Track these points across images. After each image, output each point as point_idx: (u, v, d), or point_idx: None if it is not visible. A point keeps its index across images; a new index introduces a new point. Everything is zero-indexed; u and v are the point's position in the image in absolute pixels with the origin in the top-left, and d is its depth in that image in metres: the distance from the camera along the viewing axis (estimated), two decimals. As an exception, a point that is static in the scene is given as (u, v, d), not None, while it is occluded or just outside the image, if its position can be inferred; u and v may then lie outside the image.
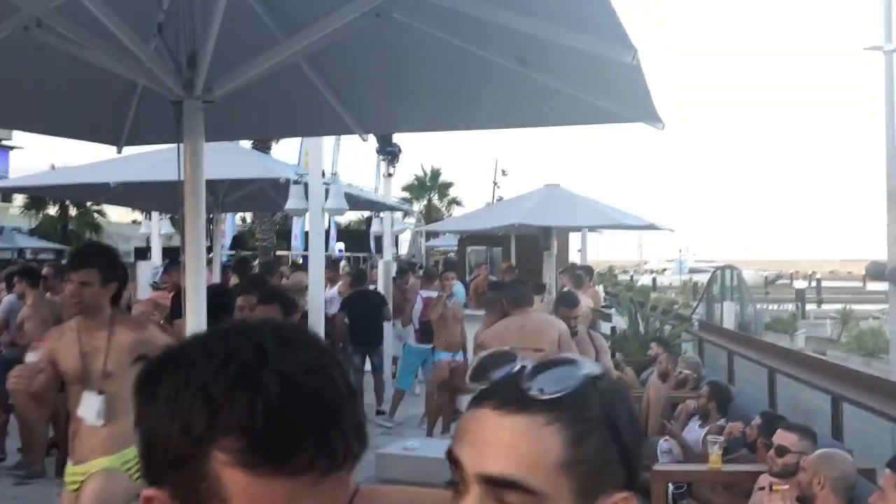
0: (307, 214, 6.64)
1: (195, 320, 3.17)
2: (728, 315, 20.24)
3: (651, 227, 13.93)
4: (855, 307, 30.61)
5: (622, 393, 0.85)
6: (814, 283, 51.55)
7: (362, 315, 9.19)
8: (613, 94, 3.56)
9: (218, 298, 4.55)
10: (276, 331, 0.79)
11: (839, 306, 32.21)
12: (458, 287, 9.98)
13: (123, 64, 3.12)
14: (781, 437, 3.90)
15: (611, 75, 3.26)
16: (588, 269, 10.68)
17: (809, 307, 39.39)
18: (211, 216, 8.10)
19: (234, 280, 9.30)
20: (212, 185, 7.64)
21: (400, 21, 3.22)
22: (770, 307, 34.33)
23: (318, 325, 6.12)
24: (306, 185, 6.34)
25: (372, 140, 11.33)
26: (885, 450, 5.55)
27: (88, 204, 33.01)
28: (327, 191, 6.41)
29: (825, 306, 40.88)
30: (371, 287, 10.12)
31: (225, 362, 0.74)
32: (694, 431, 5.51)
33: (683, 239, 67.98)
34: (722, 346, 8.03)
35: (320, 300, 6.18)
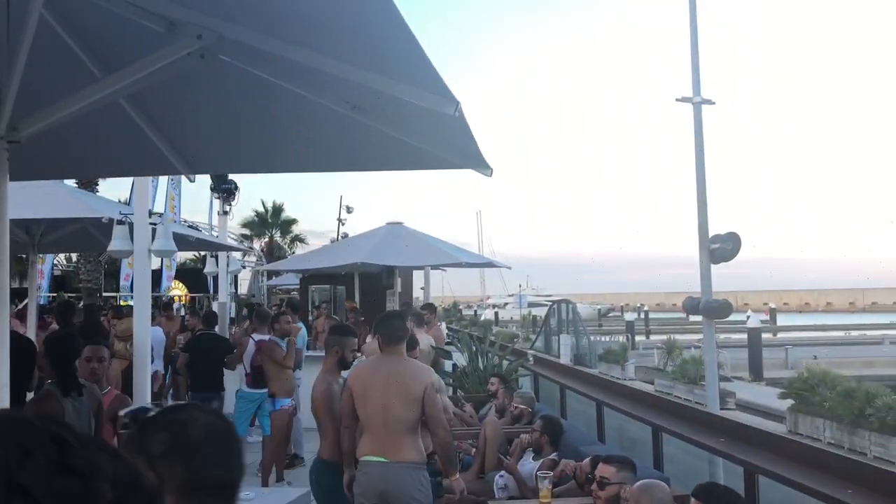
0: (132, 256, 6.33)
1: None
2: (564, 347, 21.12)
3: (489, 264, 14.40)
4: (679, 337, 32.82)
5: None
6: (642, 315, 54.84)
7: (205, 360, 8.84)
8: (442, 141, 3.67)
9: (61, 345, 4.25)
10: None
11: (665, 337, 34.47)
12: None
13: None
14: (602, 469, 4.09)
15: (438, 124, 3.37)
16: (431, 307, 10.81)
17: (639, 338, 41.84)
18: (25, 257, 7.53)
19: (53, 325, 8.69)
20: (27, 225, 7.14)
21: (227, 63, 3.17)
22: (603, 339, 36.14)
23: (144, 372, 5.80)
24: (131, 225, 6.04)
25: (207, 177, 10.99)
26: (702, 476, 5.97)
27: None
28: (154, 231, 6.12)
29: (653, 337, 43.60)
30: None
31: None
32: (528, 464, 5.66)
33: (523, 274, 70.40)
34: (555, 380, 8.34)
35: (146, 347, 5.87)
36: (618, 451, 5.06)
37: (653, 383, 15.06)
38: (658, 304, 75.19)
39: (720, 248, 7.72)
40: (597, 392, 6.86)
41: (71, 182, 9.92)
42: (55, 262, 22.79)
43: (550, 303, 32.89)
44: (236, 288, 26.89)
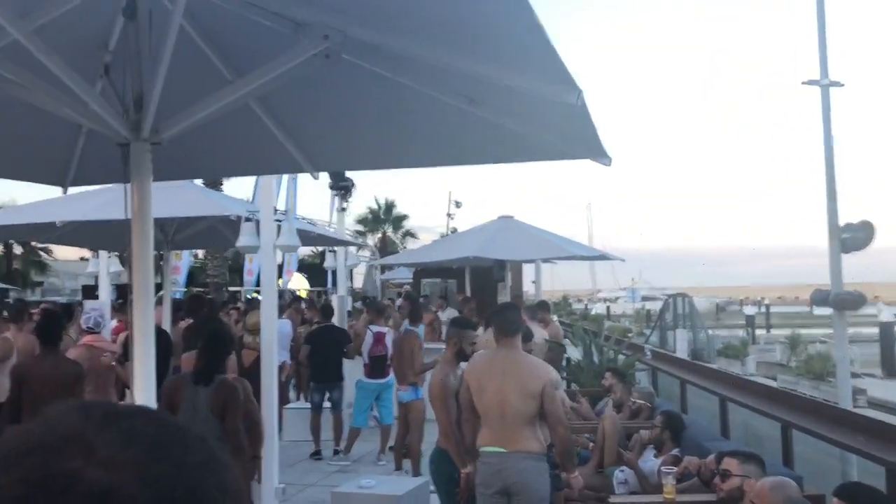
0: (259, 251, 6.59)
1: (143, 362, 3.11)
2: (681, 342, 20.60)
3: (603, 257, 14.14)
4: (803, 331, 31.32)
5: None
6: (763, 309, 52.61)
7: (324, 351, 9.13)
8: (560, 132, 3.63)
9: (218, 340, 4.58)
10: None
11: (788, 331, 32.94)
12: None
13: (69, 107, 3.09)
14: (725, 462, 3.96)
15: (557, 114, 3.33)
16: (544, 306, 10.74)
17: (759, 332, 40.21)
18: (161, 253, 7.98)
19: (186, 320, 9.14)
20: (161, 223, 7.53)
21: (350, 62, 3.24)
22: (721, 333, 34.97)
23: (271, 362, 6.04)
24: (258, 223, 6.29)
25: (325, 175, 11.32)
26: (835, 476, 5.68)
27: (34, 242, 32.23)
28: (279, 227, 6.35)
29: (774, 331, 41.77)
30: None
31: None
32: (649, 461, 5.55)
33: (635, 267, 68.86)
34: (675, 374, 8.13)
35: (273, 337, 6.10)
36: (743, 448, 4.88)
37: (775, 379, 14.40)
38: (780, 298, 71.94)
39: (852, 238, 7.32)
40: (719, 387, 6.64)
41: (198, 182, 10.43)
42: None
43: (665, 297, 32.07)
44: (351, 282, 27.60)
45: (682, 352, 15.72)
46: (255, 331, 7.04)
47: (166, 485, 0.54)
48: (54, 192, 4.78)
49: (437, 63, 3.02)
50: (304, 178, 17.94)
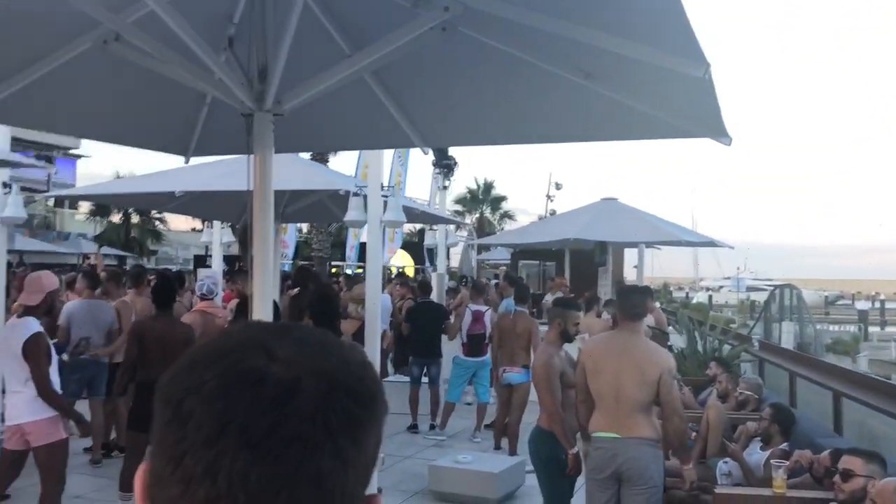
0: (364, 226, 6.70)
1: (262, 309, 3.22)
2: (787, 335, 19.78)
3: (711, 243, 13.69)
4: (921, 329, 29.59)
5: None
6: (877, 304, 49.92)
7: (424, 327, 9.24)
8: (680, 108, 3.51)
9: (324, 303, 4.73)
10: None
11: (905, 329, 31.22)
12: (508, 302, 9.97)
13: (196, 76, 3.19)
14: (847, 461, 3.78)
15: (679, 89, 3.22)
16: (648, 290, 10.47)
17: (872, 329, 38.21)
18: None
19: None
20: (274, 196, 7.76)
21: (465, 35, 3.22)
22: (830, 328, 33.43)
23: (374, 332, 6.15)
24: (365, 198, 6.39)
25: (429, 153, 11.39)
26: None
27: (151, 212, 33.92)
28: (385, 203, 6.44)
29: (889, 328, 39.60)
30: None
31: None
32: (755, 454, 5.36)
33: (741, 256, 66.49)
34: (784, 367, 7.82)
35: (377, 309, 6.21)
36: (858, 446, 4.64)
37: (889, 378, 13.64)
38: (896, 293, 67.99)
39: None
40: (833, 381, 6.34)
41: (305, 155, 10.70)
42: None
43: (771, 287, 30.89)
44: (448, 261, 27.75)
45: (787, 345, 15.08)
46: (360, 301, 7.18)
47: (337, 378, 0.65)
48: (172, 161, 4.99)
49: (557, 34, 2.96)
50: (412, 158, 18.16)
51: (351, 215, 6.48)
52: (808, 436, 5.19)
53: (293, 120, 3.58)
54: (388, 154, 11.21)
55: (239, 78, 3.17)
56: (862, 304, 46.95)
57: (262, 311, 3.24)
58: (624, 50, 2.82)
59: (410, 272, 23.53)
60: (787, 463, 4.39)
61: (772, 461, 4.57)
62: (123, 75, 3.73)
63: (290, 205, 8.09)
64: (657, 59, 2.73)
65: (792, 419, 5.41)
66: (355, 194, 6.48)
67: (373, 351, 5.89)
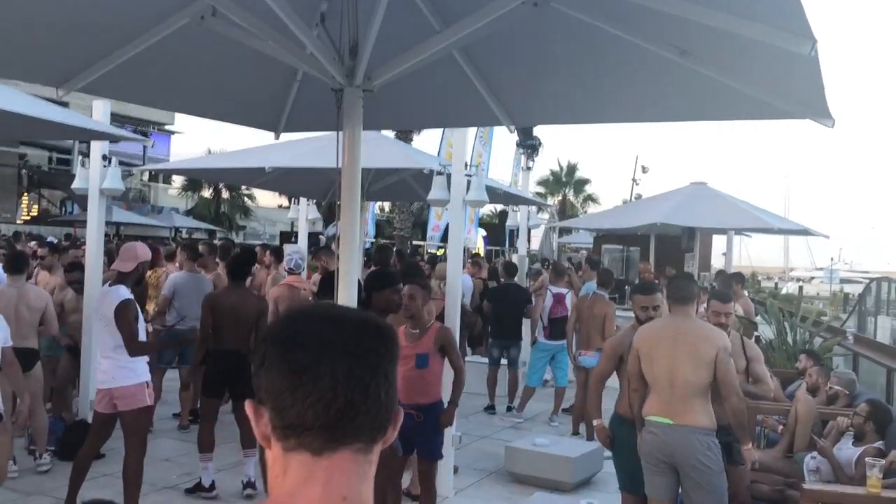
0: (447, 206, 6.71)
1: (346, 302, 3.26)
2: (882, 330, 18.83)
3: (805, 232, 13.17)
4: None
5: None
6: (985, 302, 47.11)
7: (505, 309, 9.23)
8: (781, 88, 3.37)
9: (377, 279, 4.79)
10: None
11: None
12: (589, 285, 9.85)
13: (289, 51, 3.24)
14: None
15: (780, 67, 3.09)
16: (740, 277, 10.19)
17: (980, 328, 36.11)
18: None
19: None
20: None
21: (556, 10, 3.17)
22: (932, 325, 31.69)
23: (454, 315, 6.16)
24: (449, 177, 6.39)
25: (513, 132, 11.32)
26: None
27: (240, 188, 34.90)
28: (469, 182, 6.43)
29: None
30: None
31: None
32: (847, 450, 5.15)
33: (835, 246, 63.79)
34: (880, 362, 7.47)
35: (458, 288, 6.22)
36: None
37: None
38: None
39: None
40: (936, 380, 6.02)
41: (389, 134, 10.78)
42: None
43: (867, 280, 29.50)
44: (529, 244, 27.58)
45: (883, 340, 14.39)
46: (444, 279, 7.23)
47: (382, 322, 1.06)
48: (262, 138, 5.10)
49: (651, 9, 2.87)
50: (496, 138, 18.10)
51: (434, 194, 6.50)
52: (905, 435, 4.95)
53: (381, 96, 3.61)
54: (471, 134, 11.19)
55: (330, 53, 3.21)
56: (968, 301, 44.31)
57: (346, 287, 3.29)
58: (724, 24, 2.71)
59: (481, 252, 23.53)
60: (884, 462, 4.20)
61: (866, 459, 4.38)
62: (218, 51, 3.83)
63: (375, 183, 8.18)
64: (762, 35, 2.62)
65: (889, 416, 5.17)
66: (439, 173, 6.49)
67: (453, 327, 5.91)
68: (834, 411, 6.13)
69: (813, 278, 58.46)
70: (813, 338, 9.21)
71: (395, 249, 10.37)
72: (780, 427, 6.19)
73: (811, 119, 3.49)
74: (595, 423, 5.04)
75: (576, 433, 8.23)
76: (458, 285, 6.30)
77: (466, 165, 6.41)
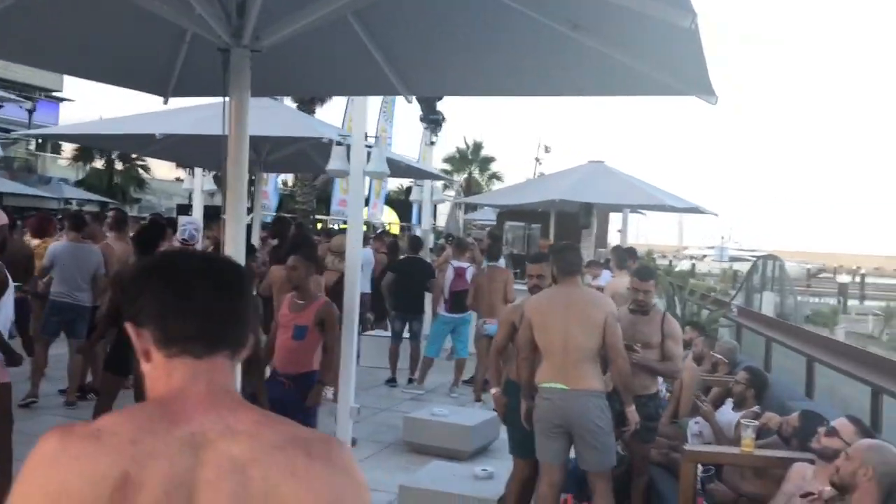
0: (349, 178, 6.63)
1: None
2: (767, 305, 19.96)
3: (696, 209, 13.71)
4: (900, 305, 29.96)
5: None
6: (857, 279, 50.46)
7: (409, 282, 9.25)
8: (667, 63, 3.47)
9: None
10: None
11: (882, 304, 31.60)
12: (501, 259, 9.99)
13: (174, 8, 3.11)
14: (841, 423, 3.82)
15: (665, 43, 3.18)
16: (632, 252, 10.54)
17: (851, 303, 38.69)
18: (252, 176, 8.15)
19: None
20: (255, 143, 7.66)
21: (452, -22, 3.16)
22: (811, 300, 33.80)
23: (353, 291, 6.08)
24: (349, 147, 6.32)
25: (416, 108, 11.29)
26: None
27: (134, 158, 33.50)
28: (369, 154, 6.36)
29: (868, 303, 40.09)
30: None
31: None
32: (727, 414, 5.43)
33: (726, 225, 66.79)
34: (760, 332, 7.91)
35: (357, 262, 6.16)
36: (829, 410, 4.71)
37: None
38: (877, 269, 68.65)
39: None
40: (808, 348, 6.42)
41: (291, 105, 10.56)
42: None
43: (754, 258, 31.07)
44: (435, 220, 27.67)
45: (767, 314, 15.24)
46: (339, 253, 7.15)
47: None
48: (155, 107, 4.91)
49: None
50: (399, 114, 18.00)
51: (333, 164, 6.41)
52: (779, 399, 5.26)
53: (273, 60, 3.52)
54: (373, 107, 11.08)
55: (217, 11, 3.10)
56: (843, 278, 47.37)
57: (233, 255, 3.21)
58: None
59: (395, 229, 23.49)
60: (757, 423, 4.45)
61: (741, 420, 4.63)
62: (104, 8, 3.64)
63: (273, 153, 8.00)
64: (644, 6, 2.69)
65: (766, 383, 5.47)
66: (338, 143, 6.40)
67: (351, 305, 5.85)
68: (716, 378, 6.46)
69: (705, 256, 61.11)
70: (700, 311, 9.66)
71: (295, 223, 10.20)
72: (667, 394, 6.46)
73: (696, 95, 3.62)
74: (493, 391, 5.16)
75: (478, 400, 8.36)
76: (357, 259, 6.22)
77: (367, 136, 6.33)
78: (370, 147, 6.34)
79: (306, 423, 5.28)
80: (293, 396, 4.94)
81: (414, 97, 4.46)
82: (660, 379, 5.69)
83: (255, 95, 3.45)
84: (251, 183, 8.10)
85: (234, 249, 3.29)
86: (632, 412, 4.73)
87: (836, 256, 78.28)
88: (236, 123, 3.29)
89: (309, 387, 5.02)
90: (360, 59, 4.06)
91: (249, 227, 9.60)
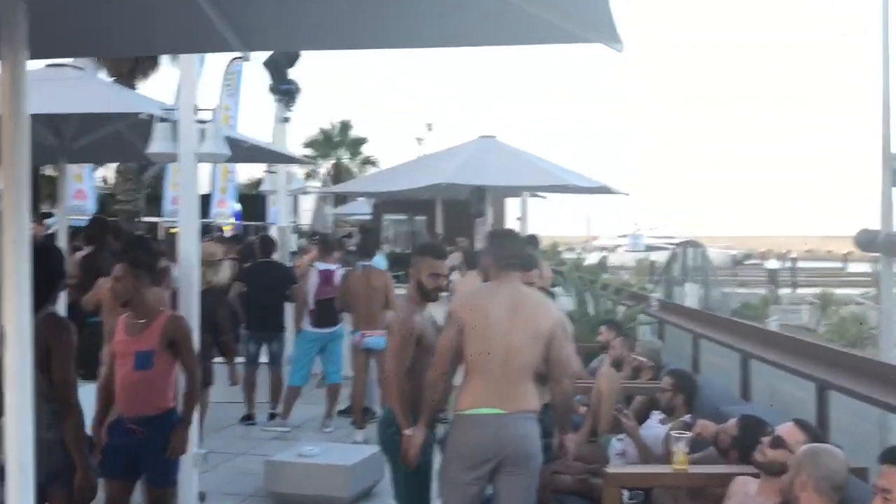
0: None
1: (15, 279, 2.90)
2: (690, 299, 20.75)
3: (605, 189, 14.00)
4: (835, 291, 31.86)
5: None
6: (788, 264, 53.35)
7: (263, 293, 8.96)
8: (567, 9, 3.43)
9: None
10: None
11: (817, 290, 33.52)
12: (380, 258, 9.88)
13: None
14: (787, 430, 3.88)
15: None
16: (533, 239, 10.64)
17: (783, 291, 40.86)
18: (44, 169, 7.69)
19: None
20: (55, 123, 7.23)
21: None
22: (738, 290, 35.45)
23: (190, 308, 5.82)
24: (176, 125, 6.03)
25: (265, 82, 10.99)
26: (872, 445, 5.68)
27: None
28: (203, 133, 6.08)
29: (801, 290, 42.43)
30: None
31: None
32: (654, 428, 5.49)
33: (639, 210, 69.27)
34: (686, 328, 8.11)
35: (193, 270, 5.88)
36: (770, 413, 4.82)
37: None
38: (809, 251, 72.85)
39: (908, 166, 7.25)
40: (742, 342, 6.61)
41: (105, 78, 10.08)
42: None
43: (673, 245, 32.28)
44: (297, 217, 27.27)
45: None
46: (211, 263, 6.86)
47: None
48: None
49: None
50: (246, 91, 17.53)
51: (156, 146, 6.06)
52: (713, 404, 5.36)
53: (62, 13, 3.25)
54: (214, 80, 10.71)
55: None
56: (772, 264, 49.95)
57: (15, 261, 2.92)
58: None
59: (228, 230, 22.96)
60: (690, 434, 4.49)
61: (671, 433, 4.67)
62: None
63: (79, 137, 7.54)
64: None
65: (694, 386, 5.57)
66: (162, 119, 6.09)
67: (190, 321, 5.59)
68: (639, 385, 6.55)
69: (618, 246, 63.12)
70: (616, 307, 9.85)
71: (113, 224, 9.74)
72: (584, 408, 6.48)
73: (601, 43, 3.60)
74: (406, 433, 4.56)
75: (361, 427, 8.32)
76: (194, 270, 5.96)
77: (198, 110, 6.06)
78: (203, 122, 6.06)
79: (168, 478, 4.99)
80: (149, 447, 4.65)
81: (251, 54, 4.24)
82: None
83: (37, 58, 3.18)
84: (45, 178, 7.64)
85: (18, 259, 2.97)
86: (570, 440, 4.67)
87: (763, 240, 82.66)
88: (11, 94, 2.98)
89: (167, 431, 4.72)
90: (181, 8, 3.82)
91: (52, 235, 9.09)
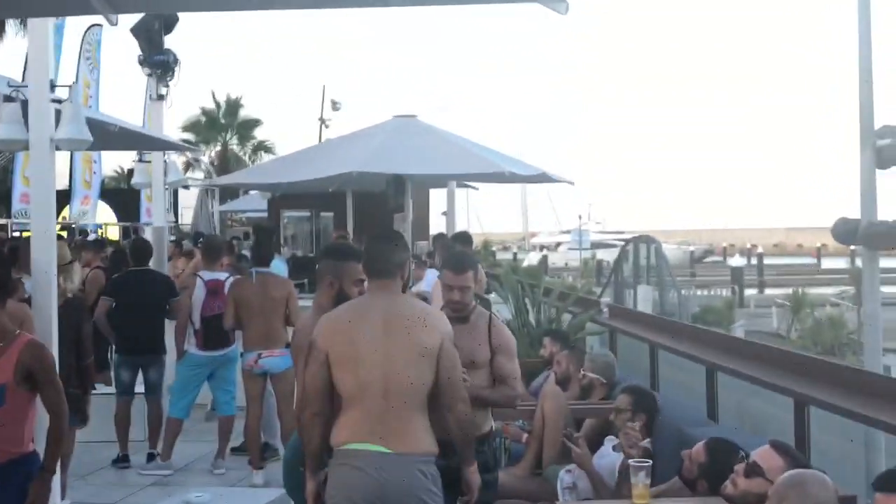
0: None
1: None
2: (644, 303, 21.07)
3: (543, 177, 14.13)
4: (808, 290, 32.73)
5: None
6: (754, 260, 54.75)
7: (137, 309, 8.79)
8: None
9: None
10: None
11: (788, 290, 34.42)
12: (278, 263, 9.78)
13: None
14: (765, 455, 3.93)
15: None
16: (466, 238, 10.68)
17: (749, 292, 41.89)
18: None
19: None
20: None
21: None
22: (699, 293, 36.23)
23: (47, 327, 5.71)
24: (25, 104, 5.91)
25: (135, 53, 10.80)
26: (857, 467, 5.82)
27: None
28: (59, 114, 5.98)
29: (769, 290, 43.58)
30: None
31: None
32: (608, 456, 5.54)
33: (584, 202, 70.23)
34: (642, 337, 8.21)
35: (50, 284, 5.77)
36: (741, 435, 4.90)
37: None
38: (776, 245, 74.98)
39: (891, 146, 7.44)
40: (707, 352, 6.72)
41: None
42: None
43: (622, 242, 32.76)
44: (176, 216, 26.97)
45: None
46: (64, 270, 6.71)
47: None
48: None
49: None
50: (107, 65, 17.24)
51: (1, 132, 5.97)
52: (675, 426, 5.42)
53: None
54: (69, 51, 10.50)
55: None
56: (736, 261, 51.21)
57: None
58: None
59: (114, 234, 22.62)
60: (650, 463, 4.53)
61: (629, 462, 4.71)
62: None
63: None
64: None
65: (654, 404, 5.63)
66: (8, 98, 5.97)
67: (48, 342, 5.48)
68: (590, 407, 6.60)
69: (560, 244, 64.02)
70: (560, 314, 9.93)
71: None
72: (526, 435, 6.52)
73: (542, 4, 3.64)
74: (309, 487, 4.52)
75: (259, 468, 8.23)
76: (51, 282, 5.84)
77: (53, 86, 5.95)
78: (58, 102, 5.95)
79: None
80: (3, 497, 4.54)
81: (117, 18, 4.15)
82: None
83: None
84: None
85: None
86: (473, 474, 4.61)
87: (725, 233, 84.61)
88: None
89: (23, 481, 4.58)
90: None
91: None
